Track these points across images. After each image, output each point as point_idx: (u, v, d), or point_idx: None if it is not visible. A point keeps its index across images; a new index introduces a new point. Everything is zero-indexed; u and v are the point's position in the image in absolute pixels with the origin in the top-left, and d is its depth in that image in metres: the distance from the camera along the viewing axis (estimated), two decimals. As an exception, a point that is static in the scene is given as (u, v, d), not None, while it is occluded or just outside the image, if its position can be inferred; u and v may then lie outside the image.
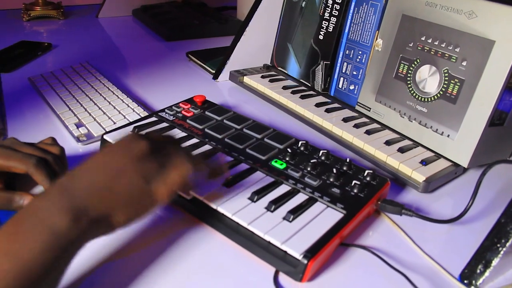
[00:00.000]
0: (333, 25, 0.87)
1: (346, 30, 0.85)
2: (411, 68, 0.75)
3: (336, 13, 0.86)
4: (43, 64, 1.11)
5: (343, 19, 0.86)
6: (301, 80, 0.95)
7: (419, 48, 0.74)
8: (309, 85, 0.93)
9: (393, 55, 0.77)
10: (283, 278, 0.50)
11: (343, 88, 0.87)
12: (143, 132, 0.67)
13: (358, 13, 0.83)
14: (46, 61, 1.14)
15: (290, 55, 0.97)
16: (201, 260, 0.52)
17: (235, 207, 0.54)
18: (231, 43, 1.00)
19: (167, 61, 1.17)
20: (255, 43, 1.01)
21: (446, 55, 0.70)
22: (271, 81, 0.94)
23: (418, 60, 0.74)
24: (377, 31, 0.80)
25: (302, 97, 0.88)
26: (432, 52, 0.72)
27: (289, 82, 0.95)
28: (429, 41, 0.72)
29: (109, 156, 0.48)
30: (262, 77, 0.96)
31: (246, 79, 0.96)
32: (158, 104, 0.91)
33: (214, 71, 1.03)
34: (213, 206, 0.54)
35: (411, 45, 0.75)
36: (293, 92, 0.90)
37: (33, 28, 1.43)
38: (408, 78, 0.75)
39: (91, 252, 0.51)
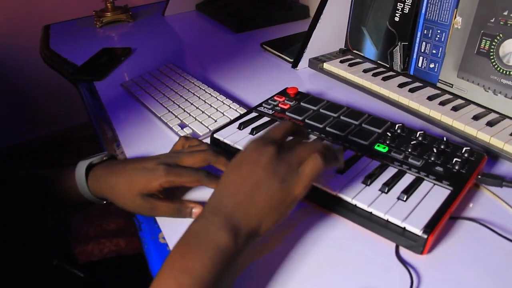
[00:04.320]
0: (409, 7, 0.90)
1: (423, 11, 0.88)
2: (493, 43, 0.77)
3: (411, -6, 0.89)
4: (128, 69, 1.18)
5: (418, 0, 0.88)
6: (379, 62, 0.99)
7: (501, 23, 0.76)
8: (388, 66, 0.97)
9: (474, 32, 0.80)
10: (403, 251, 0.56)
11: (422, 67, 0.90)
12: (261, 132, 0.73)
13: (434, -7, 0.85)
14: (130, 66, 1.20)
15: (366, 38, 1.01)
16: (332, 244, 0.58)
17: (353, 192, 0.59)
18: (307, 31, 1.04)
19: (242, 53, 1.22)
20: (330, 29, 1.05)
21: (531, 28, 0.72)
22: (350, 65, 0.98)
23: (501, 35, 0.76)
24: (455, 9, 0.83)
25: (384, 78, 0.92)
26: (515, 26, 0.74)
27: (368, 65, 0.99)
28: (512, 15, 0.75)
29: (243, 171, 0.52)
30: (341, 62, 1.00)
31: (326, 65, 1.00)
32: (245, 96, 0.96)
33: (292, 60, 1.08)
34: (333, 192, 0.60)
35: (492, 20, 0.77)
36: (374, 75, 0.94)
37: (106, 33, 1.51)
38: (491, 53, 0.78)
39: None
